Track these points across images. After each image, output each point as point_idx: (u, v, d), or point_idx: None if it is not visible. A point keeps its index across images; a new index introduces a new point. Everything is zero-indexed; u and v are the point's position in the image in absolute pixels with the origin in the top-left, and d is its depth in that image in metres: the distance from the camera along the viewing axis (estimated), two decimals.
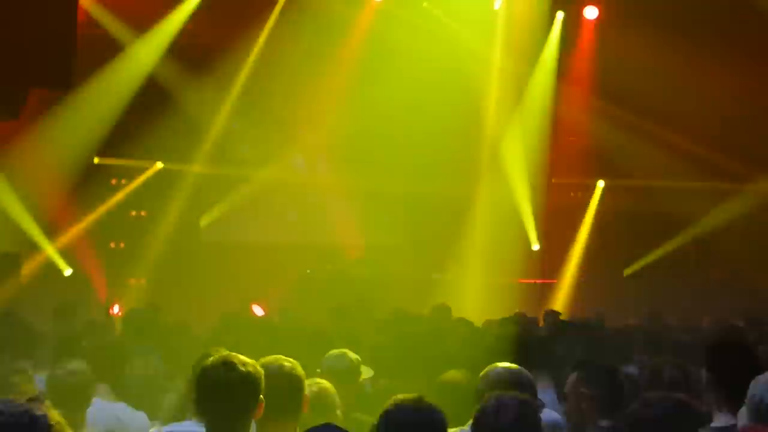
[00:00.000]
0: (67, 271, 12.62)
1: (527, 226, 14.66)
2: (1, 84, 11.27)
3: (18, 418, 2.16)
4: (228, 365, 3.19)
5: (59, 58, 10.60)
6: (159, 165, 13.57)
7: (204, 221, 13.99)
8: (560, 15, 14.55)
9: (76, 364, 4.51)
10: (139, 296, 12.50)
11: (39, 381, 4.74)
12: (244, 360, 3.24)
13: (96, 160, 13.24)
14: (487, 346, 5.26)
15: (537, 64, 14.67)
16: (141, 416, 4.78)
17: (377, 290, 12.13)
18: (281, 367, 3.50)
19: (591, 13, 14.46)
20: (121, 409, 4.82)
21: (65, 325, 7.53)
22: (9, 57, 10.34)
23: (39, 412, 2.18)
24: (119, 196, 13.47)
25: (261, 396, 3.21)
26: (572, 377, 4.21)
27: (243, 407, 3.20)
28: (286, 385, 3.47)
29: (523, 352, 4.70)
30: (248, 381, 3.18)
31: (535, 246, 14.65)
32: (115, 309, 12.02)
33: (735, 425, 3.52)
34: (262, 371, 3.24)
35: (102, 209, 13.28)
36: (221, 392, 3.16)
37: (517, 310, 9.22)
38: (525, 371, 4.01)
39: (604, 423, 3.96)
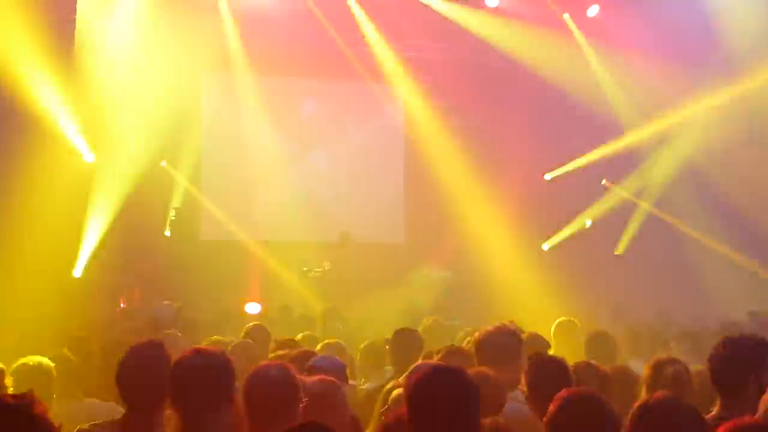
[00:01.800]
0: (76, 272, 12.60)
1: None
2: None
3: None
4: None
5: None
6: (162, 164, 13.59)
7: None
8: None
9: (42, 360, 4.54)
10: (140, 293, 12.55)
11: None
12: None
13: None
14: None
15: None
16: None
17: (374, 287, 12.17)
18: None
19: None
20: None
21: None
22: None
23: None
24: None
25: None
26: None
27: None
28: None
29: None
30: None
31: (545, 245, 14.75)
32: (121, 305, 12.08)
33: (726, 417, 3.59)
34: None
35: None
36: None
37: None
38: None
39: None
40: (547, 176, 14.99)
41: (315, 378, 3.79)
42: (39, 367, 4.53)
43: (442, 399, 3.11)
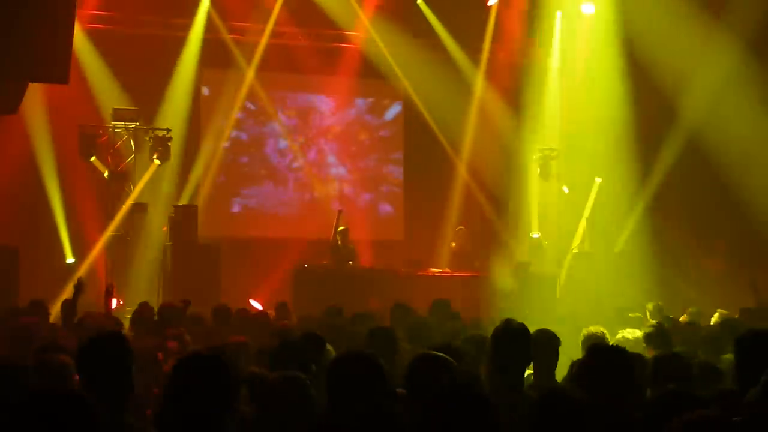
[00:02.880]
0: (69, 260, 12.61)
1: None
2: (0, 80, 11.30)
3: None
4: None
5: (57, 52, 10.63)
6: (156, 162, 13.55)
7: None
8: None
9: (63, 358, 4.49)
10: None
11: None
12: None
13: (93, 158, 13.24)
14: None
15: None
16: None
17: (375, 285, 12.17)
18: None
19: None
20: None
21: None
22: (7, 52, 10.36)
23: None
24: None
25: None
26: None
27: None
28: None
29: None
30: None
31: (535, 234, 14.71)
32: (113, 303, 11.99)
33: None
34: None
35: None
36: None
37: None
38: None
39: None
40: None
41: None
42: None
43: None
